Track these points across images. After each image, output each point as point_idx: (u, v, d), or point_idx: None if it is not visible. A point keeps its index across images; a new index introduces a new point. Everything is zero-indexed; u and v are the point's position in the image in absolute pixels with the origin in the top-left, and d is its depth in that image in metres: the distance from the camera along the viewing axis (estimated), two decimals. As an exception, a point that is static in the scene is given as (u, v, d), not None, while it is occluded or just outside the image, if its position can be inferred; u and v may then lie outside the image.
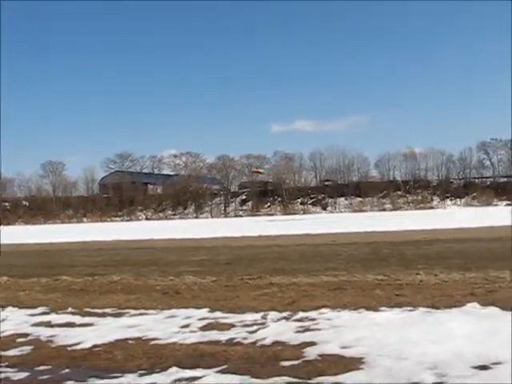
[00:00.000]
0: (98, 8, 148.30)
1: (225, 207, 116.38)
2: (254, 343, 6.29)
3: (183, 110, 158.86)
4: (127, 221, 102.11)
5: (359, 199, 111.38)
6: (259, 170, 34.36)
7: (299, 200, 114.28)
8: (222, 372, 5.22)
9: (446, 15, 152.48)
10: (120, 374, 5.28)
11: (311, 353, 5.71)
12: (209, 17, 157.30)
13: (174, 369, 5.29)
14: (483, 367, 4.92)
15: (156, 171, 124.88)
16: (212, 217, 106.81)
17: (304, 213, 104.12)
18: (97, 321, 7.79)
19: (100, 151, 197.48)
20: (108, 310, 8.57)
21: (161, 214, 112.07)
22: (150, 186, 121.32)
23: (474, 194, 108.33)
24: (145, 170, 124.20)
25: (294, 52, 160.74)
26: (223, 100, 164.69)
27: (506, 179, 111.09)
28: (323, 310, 7.75)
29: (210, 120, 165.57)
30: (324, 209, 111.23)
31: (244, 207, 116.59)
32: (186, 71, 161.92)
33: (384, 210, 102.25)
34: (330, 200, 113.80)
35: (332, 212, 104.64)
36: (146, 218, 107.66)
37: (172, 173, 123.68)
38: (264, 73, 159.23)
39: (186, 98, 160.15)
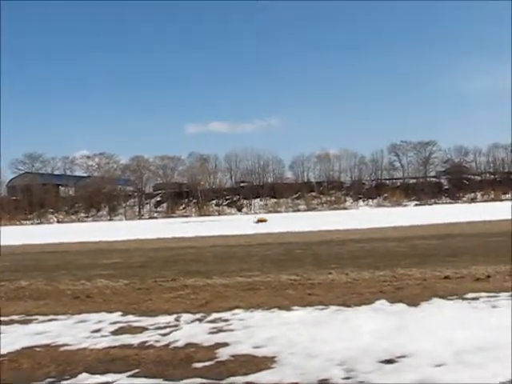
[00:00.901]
0: None
1: (139, 209, 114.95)
2: (166, 346, 6.24)
3: (95, 110, 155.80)
4: (38, 224, 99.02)
5: (274, 200, 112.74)
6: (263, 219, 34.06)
7: (214, 201, 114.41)
8: (134, 376, 5.15)
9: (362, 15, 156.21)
10: (26, 384, 5.10)
11: (224, 353, 5.72)
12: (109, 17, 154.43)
13: (84, 375, 5.16)
14: (389, 361, 5.09)
15: (68, 172, 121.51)
16: (126, 219, 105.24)
17: (219, 214, 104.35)
18: (3, 329, 7.48)
19: (7, 152, 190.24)
20: (15, 317, 8.23)
21: (73, 217, 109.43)
22: (61, 188, 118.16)
23: (385, 195, 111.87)
24: (56, 172, 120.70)
25: (206, 53, 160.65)
26: (137, 100, 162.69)
27: (415, 180, 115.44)
28: (236, 311, 7.78)
29: (123, 121, 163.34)
30: (239, 210, 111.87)
31: (159, 209, 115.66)
32: (98, 70, 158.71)
33: (298, 210, 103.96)
34: (246, 201, 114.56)
35: (247, 213, 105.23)
36: (58, 221, 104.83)
37: (85, 174, 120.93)
38: (178, 73, 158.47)
39: (98, 97, 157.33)
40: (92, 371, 5.29)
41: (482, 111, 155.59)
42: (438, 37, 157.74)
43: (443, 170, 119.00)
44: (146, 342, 6.45)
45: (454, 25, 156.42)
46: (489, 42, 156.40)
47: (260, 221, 23.67)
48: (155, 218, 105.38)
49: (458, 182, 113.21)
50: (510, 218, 32.62)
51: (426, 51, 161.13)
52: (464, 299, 7.85)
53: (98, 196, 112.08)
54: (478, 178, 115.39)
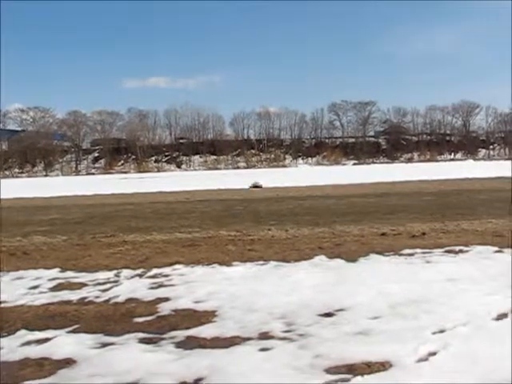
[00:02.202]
0: None
1: (76, 165, 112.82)
2: (106, 301, 6.20)
3: (30, 62, 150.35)
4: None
5: (214, 157, 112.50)
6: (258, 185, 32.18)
7: (153, 158, 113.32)
8: (74, 332, 5.10)
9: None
10: (-38, 341, 4.98)
11: (165, 308, 5.73)
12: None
13: (23, 331, 5.08)
14: (328, 314, 5.21)
15: (0, 126, 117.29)
16: (63, 175, 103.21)
17: (158, 171, 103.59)
18: None
19: None
20: None
21: (6, 172, 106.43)
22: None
23: (325, 154, 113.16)
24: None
25: (147, 7, 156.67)
26: (74, 53, 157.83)
27: (354, 140, 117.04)
28: (177, 266, 7.79)
29: (60, 73, 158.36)
30: (179, 167, 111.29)
31: (96, 165, 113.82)
32: (34, 17, 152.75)
33: (238, 167, 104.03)
34: (185, 158, 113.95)
35: (186, 170, 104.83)
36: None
37: (19, 128, 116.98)
38: (117, 26, 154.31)
39: (33, 47, 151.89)
40: (31, 328, 5.21)
41: (420, 74, 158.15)
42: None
43: (382, 130, 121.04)
44: (86, 297, 6.39)
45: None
46: (427, 4, 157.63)
47: (255, 187, 22.72)
48: (93, 174, 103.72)
49: (396, 143, 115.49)
50: (443, 178, 33.61)
51: (363, 14, 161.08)
52: (400, 255, 8.09)
53: (32, 151, 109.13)
54: (415, 138, 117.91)
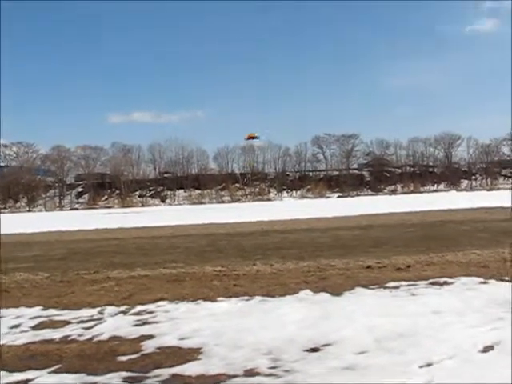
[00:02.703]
0: None
1: (60, 200, 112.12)
2: (90, 339, 6.12)
3: (13, 97, 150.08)
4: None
5: (198, 191, 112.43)
6: (254, 135, 29.86)
7: (138, 192, 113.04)
8: (56, 372, 5.01)
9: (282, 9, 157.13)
10: None
11: (149, 346, 5.66)
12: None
13: (3, 373, 4.98)
14: (314, 349, 5.17)
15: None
16: (46, 210, 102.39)
17: (143, 205, 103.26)
18: None
19: None
20: None
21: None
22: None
23: (309, 187, 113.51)
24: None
25: (130, 43, 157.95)
26: (59, 89, 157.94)
27: (337, 172, 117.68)
28: (161, 303, 7.72)
29: (43, 109, 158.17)
30: (163, 201, 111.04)
31: (80, 200, 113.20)
32: (20, 55, 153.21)
33: (223, 202, 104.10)
34: (169, 192, 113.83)
35: (171, 204, 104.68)
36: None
37: (2, 164, 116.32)
38: (102, 62, 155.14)
39: (16, 84, 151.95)
40: (10, 369, 5.11)
41: (402, 107, 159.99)
42: (362, 34, 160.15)
43: (365, 162, 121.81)
44: (69, 336, 6.30)
45: (377, 24, 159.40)
46: (410, 42, 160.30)
47: (251, 137, 22.47)
48: (76, 209, 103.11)
49: (380, 175, 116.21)
50: (427, 209, 33.80)
51: (346, 48, 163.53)
52: (385, 288, 8.08)
53: (16, 186, 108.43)
54: (399, 170, 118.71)
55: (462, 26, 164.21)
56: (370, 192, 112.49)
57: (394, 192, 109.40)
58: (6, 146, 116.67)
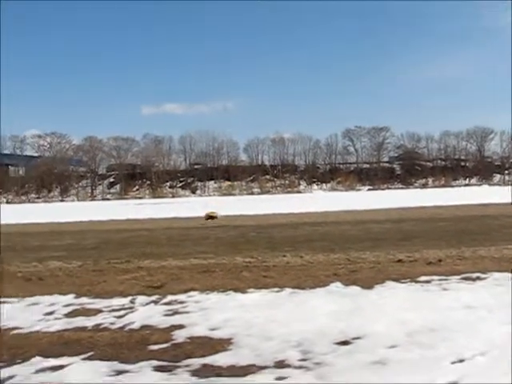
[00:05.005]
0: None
1: (92, 190, 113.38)
2: (121, 328, 6.19)
3: (48, 88, 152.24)
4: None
5: (228, 183, 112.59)
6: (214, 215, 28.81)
7: (168, 183, 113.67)
8: (89, 359, 5.09)
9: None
10: (-23, 368, 4.97)
11: (180, 335, 5.71)
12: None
13: (38, 358, 5.07)
14: (344, 342, 5.16)
15: (18, 152, 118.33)
16: (78, 200, 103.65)
17: (173, 196, 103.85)
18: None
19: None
20: (-36, 300, 8.04)
21: (23, 198, 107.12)
22: (11, 168, 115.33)
23: (339, 179, 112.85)
24: (5, 151, 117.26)
25: (162, 34, 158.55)
26: (93, 80, 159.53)
27: (368, 165, 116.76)
28: (192, 293, 7.76)
29: (77, 100, 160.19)
30: (193, 192, 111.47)
31: (112, 190, 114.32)
32: (52, 46, 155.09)
33: (252, 193, 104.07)
34: (200, 183, 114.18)
35: (201, 195, 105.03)
36: (7, 202, 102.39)
37: (35, 154, 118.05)
38: (135, 53, 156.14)
39: (51, 74, 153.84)
40: (45, 355, 5.20)
41: (434, 100, 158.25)
42: (390, 24, 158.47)
43: (396, 155, 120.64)
44: (101, 324, 6.38)
45: (409, 14, 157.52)
46: (441, 31, 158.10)
47: (210, 217, 20.75)
48: (108, 199, 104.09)
49: (410, 168, 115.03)
50: (459, 203, 33.39)
51: (380, 39, 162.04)
52: (417, 282, 8.01)
53: (49, 176, 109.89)
54: (430, 164, 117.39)
55: (495, 19, 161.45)
56: (400, 185, 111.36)
57: (424, 186, 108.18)
58: (40, 136, 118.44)
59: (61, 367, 4.83)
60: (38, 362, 4.99)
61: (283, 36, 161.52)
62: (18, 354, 5.31)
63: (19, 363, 5.02)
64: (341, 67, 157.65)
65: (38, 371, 4.76)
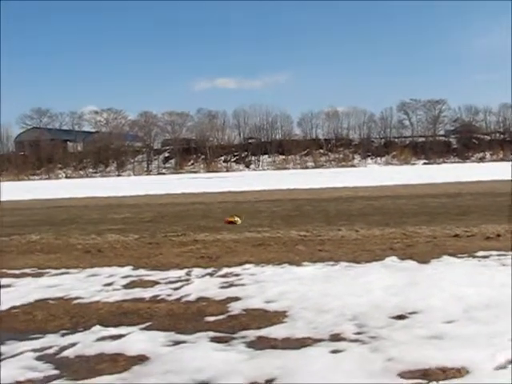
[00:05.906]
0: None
1: (147, 165, 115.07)
2: (178, 300, 6.29)
3: (104, 64, 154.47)
4: (46, 179, 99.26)
5: (282, 157, 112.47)
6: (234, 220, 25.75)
7: (222, 158, 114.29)
8: (147, 329, 5.20)
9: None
10: (41, 335, 5.13)
11: (235, 308, 5.76)
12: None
13: (98, 327, 5.22)
14: (400, 317, 5.12)
15: (76, 128, 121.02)
16: (134, 174, 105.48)
17: (227, 170, 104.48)
18: (15, 282, 7.54)
19: (15, 107, 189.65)
20: (27, 271, 8.30)
21: (81, 172, 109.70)
22: (69, 144, 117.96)
23: (394, 153, 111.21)
24: (64, 127, 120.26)
25: (215, 9, 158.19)
26: (146, 56, 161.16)
27: (423, 139, 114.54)
28: (247, 266, 7.83)
29: (132, 76, 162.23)
30: (247, 166, 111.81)
31: (167, 165, 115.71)
32: (106, 24, 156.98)
33: (306, 167, 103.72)
34: (254, 158, 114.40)
35: (255, 170, 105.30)
36: (66, 177, 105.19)
37: (93, 130, 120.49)
38: (187, 29, 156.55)
39: (106, 52, 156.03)
40: (105, 324, 5.35)
41: (491, 72, 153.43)
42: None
43: (452, 129, 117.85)
44: (158, 295, 6.50)
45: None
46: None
47: (230, 222, 17.97)
48: (163, 173, 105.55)
49: (467, 142, 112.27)
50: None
51: (435, 10, 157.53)
52: (474, 257, 7.86)
53: (106, 151, 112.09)
54: (488, 137, 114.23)
55: None
56: (457, 159, 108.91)
57: (482, 160, 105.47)
58: (96, 112, 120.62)
59: (120, 336, 4.95)
60: (98, 330, 5.13)
61: (338, 9, 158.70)
62: (79, 323, 5.48)
63: (81, 331, 5.18)
64: (395, 41, 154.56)
65: (98, 340, 4.89)
